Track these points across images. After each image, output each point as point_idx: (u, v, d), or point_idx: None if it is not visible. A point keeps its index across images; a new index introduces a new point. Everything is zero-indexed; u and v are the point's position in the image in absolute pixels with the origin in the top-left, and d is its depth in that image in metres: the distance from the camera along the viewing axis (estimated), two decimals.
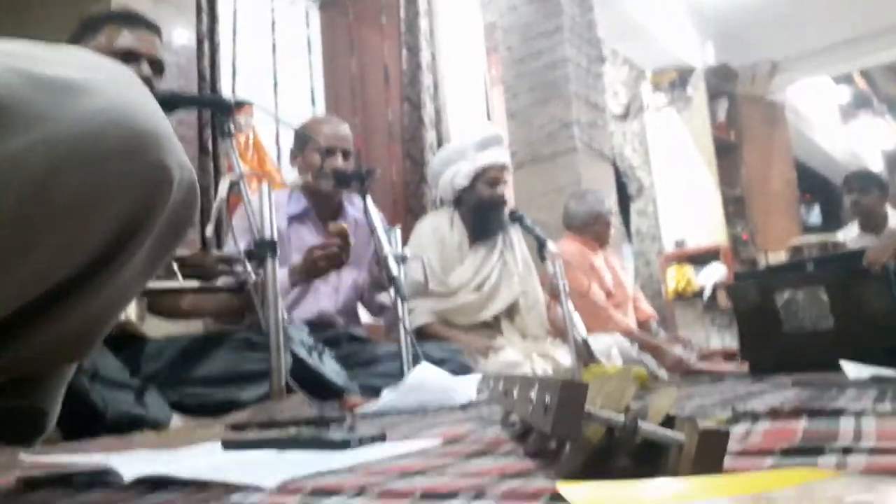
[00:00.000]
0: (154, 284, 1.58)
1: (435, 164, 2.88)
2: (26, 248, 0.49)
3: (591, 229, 3.18)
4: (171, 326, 1.95)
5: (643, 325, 3.37)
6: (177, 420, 1.41)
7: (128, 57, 1.56)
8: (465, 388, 1.56)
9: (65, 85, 0.49)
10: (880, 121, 9.14)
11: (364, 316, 2.46)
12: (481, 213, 2.66)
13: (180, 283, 1.55)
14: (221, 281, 1.62)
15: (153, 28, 1.64)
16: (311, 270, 1.97)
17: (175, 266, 1.52)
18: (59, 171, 0.48)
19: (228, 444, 0.85)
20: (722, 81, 6.34)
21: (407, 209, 3.75)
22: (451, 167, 2.69)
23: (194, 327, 2.25)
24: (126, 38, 1.57)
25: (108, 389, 1.29)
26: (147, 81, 1.53)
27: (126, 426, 1.28)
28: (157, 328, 1.81)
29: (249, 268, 1.56)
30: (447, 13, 4.15)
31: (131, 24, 1.60)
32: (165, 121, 0.54)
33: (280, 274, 2.00)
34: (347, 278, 2.27)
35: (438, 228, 2.68)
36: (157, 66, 1.62)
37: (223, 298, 1.83)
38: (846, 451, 0.56)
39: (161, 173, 0.53)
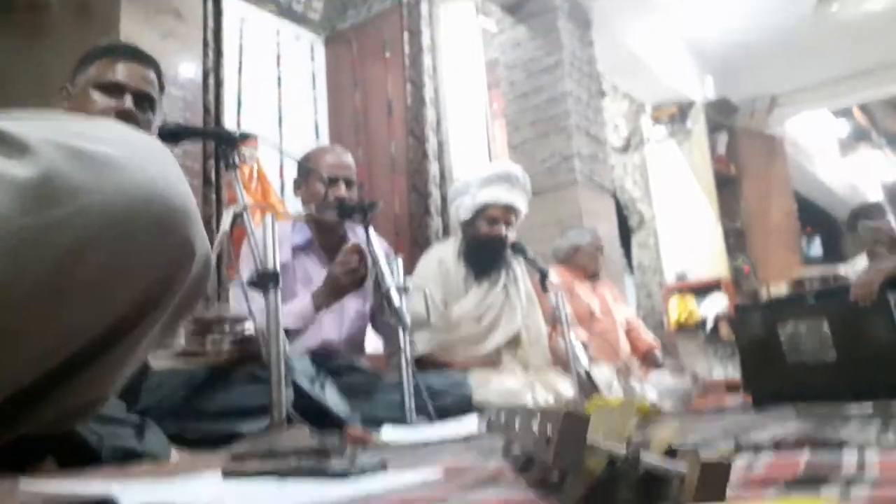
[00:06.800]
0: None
1: (450, 193, 2.92)
2: (53, 313, 0.50)
3: (573, 260, 3.41)
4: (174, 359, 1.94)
5: (647, 354, 3.36)
6: (176, 455, 1.39)
7: (112, 89, 1.51)
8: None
9: (103, 160, 0.51)
10: (879, 154, 9.18)
11: (367, 346, 2.46)
12: (477, 249, 2.66)
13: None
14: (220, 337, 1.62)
15: (148, 62, 1.58)
16: (334, 289, 2.00)
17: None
18: (92, 242, 0.50)
19: (229, 474, 0.85)
20: (721, 115, 6.40)
21: (411, 241, 3.75)
22: (459, 198, 2.72)
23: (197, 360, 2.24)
24: (114, 72, 1.52)
25: (104, 425, 1.27)
26: (129, 114, 1.47)
27: (122, 460, 1.26)
28: (160, 359, 1.81)
29: (250, 325, 1.57)
30: (450, 49, 4.21)
31: (125, 58, 1.55)
32: (192, 196, 0.57)
33: (303, 303, 2.01)
34: (351, 308, 2.26)
35: (444, 261, 2.68)
36: (144, 100, 1.54)
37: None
38: (849, 482, 0.56)
39: (186, 249, 0.55)
